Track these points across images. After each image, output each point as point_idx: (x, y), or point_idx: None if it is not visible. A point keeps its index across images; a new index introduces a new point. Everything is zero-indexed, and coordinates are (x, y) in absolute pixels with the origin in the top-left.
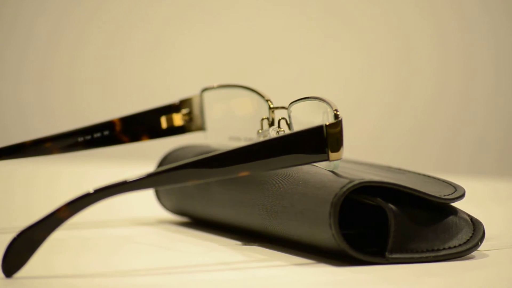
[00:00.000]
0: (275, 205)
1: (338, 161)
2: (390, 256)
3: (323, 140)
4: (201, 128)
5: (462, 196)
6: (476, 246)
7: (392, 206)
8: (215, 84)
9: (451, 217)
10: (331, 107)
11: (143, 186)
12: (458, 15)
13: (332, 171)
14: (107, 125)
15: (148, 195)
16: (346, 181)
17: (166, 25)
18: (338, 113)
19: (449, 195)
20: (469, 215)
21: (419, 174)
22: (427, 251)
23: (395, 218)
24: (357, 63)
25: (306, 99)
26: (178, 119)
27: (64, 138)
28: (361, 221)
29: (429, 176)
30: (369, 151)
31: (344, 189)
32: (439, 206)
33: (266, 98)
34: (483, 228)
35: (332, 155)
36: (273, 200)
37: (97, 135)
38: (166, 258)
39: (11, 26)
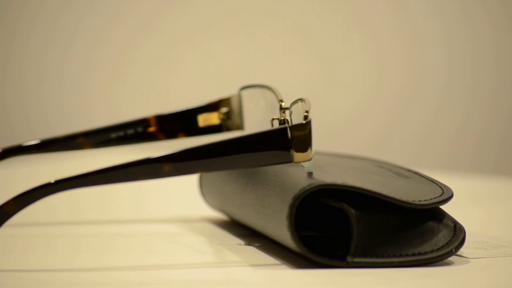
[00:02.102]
0: (261, 206)
1: (308, 162)
2: (351, 260)
3: (287, 141)
4: (239, 127)
5: (441, 202)
6: (449, 253)
7: (353, 210)
8: (252, 84)
9: (430, 222)
10: (303, 108)
11: (100, 182)
12: (463, 17)
13: (310, 173)
14: (141, 122)
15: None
16: (306, 184)
17: (209, 25)
18: (307, 114)
19: (425, 200)
20: (454, 221)
21: (421, 176)
22: (394, 256)
23: (358, 222)
24: (366, 63)
25: (299, 101)
26: (215, 118)
27: (96, 134)
28: (338, 224)
29: (426, 178)
30: (378, 149)
31: (301, 191)
32: (418, 210)
33: (279, 98)
34: (463, 235)
35: (298, 157)
36: (260, 201)
37: (130, 131)
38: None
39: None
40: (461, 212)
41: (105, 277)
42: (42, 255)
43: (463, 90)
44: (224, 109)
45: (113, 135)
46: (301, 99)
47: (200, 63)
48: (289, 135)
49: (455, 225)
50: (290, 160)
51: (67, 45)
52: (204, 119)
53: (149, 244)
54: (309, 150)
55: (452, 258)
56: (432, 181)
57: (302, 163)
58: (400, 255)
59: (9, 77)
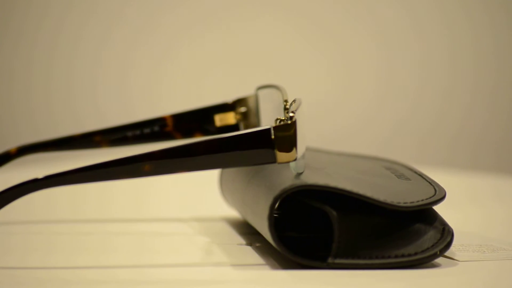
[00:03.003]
0: (255, 206)
1: (294, 162)
2: (332, 261)
3: (270, 142)
4: (256, 127)
5: (428, 204)
6: (434, 255)
7: (334, 211)
8: (267, 84)
9: (417, 224)
10: (289, 109)
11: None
12: (465, 20)
13: (299, 173)
14: (158, 121)
15: None
16: (287, 185)
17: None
18: (293, 115)
19: (412, 202)
20: (443, 224)
21: (422, 177)
22: (376, 257)
23: (339, 223)
24: (376, 66)
25: (293, 102)
26: (231, 118)
27: (114, 132)
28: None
29: (426, 180)
30: (388, 147)
31: (282, 192)
32: (404, 212)
33: (284, 99)
34: (450, 238)
35: (281, 157)
36: (255, 201)
37: (147, 130)
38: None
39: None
40: (462, 211)
41: (105, 276)
42: (41, 253)
43: (465, 90)
44: (240, 109)
45: (130, 134)
46: (294, 100)
47: (212, 61)
48: (273, 135)
49: (443, 228)
50: (273, 161)
51: (74, 44)
52: (220, 119)
53: (149, 243)
54: (294, 150)
55: (442, 261)
56: (430, 183)
57: (290, 164)
58: (383, 257)
59: (16, 77)
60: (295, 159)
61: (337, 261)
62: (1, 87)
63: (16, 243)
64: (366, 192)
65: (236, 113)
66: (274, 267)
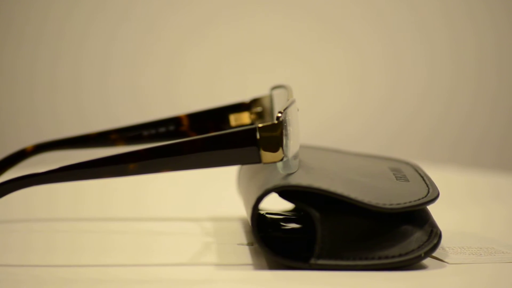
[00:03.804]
0: (246, 206)
1: (280, 162)
2: (315, 262)
3: (255, 141)
4: None
5: (414, 206)
6: (418, 258)
7: (317, 212)
8: (280, 84)
9: (404, 226)
10: (277, 110)
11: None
12: (468, 21)
13: (291, 173)
14: (173, 121)
15: None
16: (270, 185)
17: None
18: (280, 115)
19: (398, 204)
20: (432, 226)
21: (422, 177)
22: (359, 259)
23: (322, 224)
24: (384, 66)
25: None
26: (246, 118)
27: (129, 131)
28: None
29: (425, 182)
30: (396, 144)
31: (264, 192)
32: (391, 214)
33: (288, 98)
34: (437, 241)
35: (267, 157)
36: (250, 201)
37: (162, 129)
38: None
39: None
40: (464, 211)
41: (104, 275)
42: (41, 251)
43: (468, 89)
44: (256, 109)
45: (145, 133)
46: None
47: (225, 59)
48: (258, 135)
49: (431, 230)
50: (258, 161)
51: (80, 43)
52: (235, 118)
53: (149, 242)
54: (280, 150)
55: (431, 264)
56: (427, 185)
57: (277, 164)
58: (366, 258)
59: (19, 77)
60: (282, 159)
61: (320, 262)
62: (3, 88)
63: (15, 241)
64: (350, 194)
65: (251, 113)
66: (260, 267)
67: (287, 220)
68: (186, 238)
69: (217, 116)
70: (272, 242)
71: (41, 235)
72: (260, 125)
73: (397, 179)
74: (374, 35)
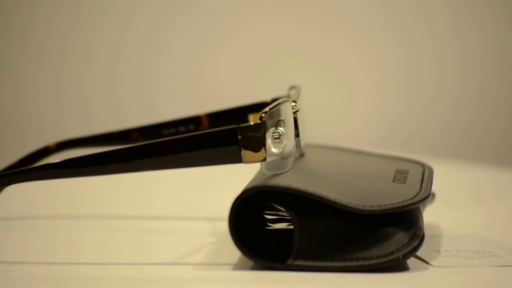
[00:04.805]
0: None
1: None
2: (291, 263)
3: (236, 141)
4: None
5: (396, 208)
6: (396, 260)
7: (294, 213)
8: (296, 84)
9: (386, 228)
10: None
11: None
12: (473, 23)
13: (277, 174)
14: (193, 120)
15: None
16: (250, 185)
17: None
18: (263, 115)
19: (379, 206)
20: (417, 228)
21: (421, 181)
22: (337, 260)
23: (300, 225)
24: (402, 65)
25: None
26: None
27: (150, 129)
28: None
29: (421, 184)
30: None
31: (244, 192)
32: (374, 215)
33: (294, 99)
34: (417, 244)
35: (248, 157)
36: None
37: (182, 128)
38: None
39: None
40: (466, 210)
41: (104, 273)
42: (40, 250)
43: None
44: None
45: (165, 132)
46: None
47: (240, 60)
48: (239, 135)
49: (414, 232)
50: (239, 161)
51: (87, 43)
52: (255, 118)
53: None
54: (263, 150)
55: (415, 266)
56: (420, 189)
57: (261, 164)
58: (344, 260)
59: (43, 75)
60: (264, 159)
61: (297, 262)
62: (27, 86)
63: (14, 239)
64: (329, 195)
65: None
66: (243, 267)
67: (281, 220)
68: (175, 237)
69: (236, 116)
70: (258, 242)
71: (40, 233)
72: (241, 125)
73: (393, 181)
74: (390, 35)
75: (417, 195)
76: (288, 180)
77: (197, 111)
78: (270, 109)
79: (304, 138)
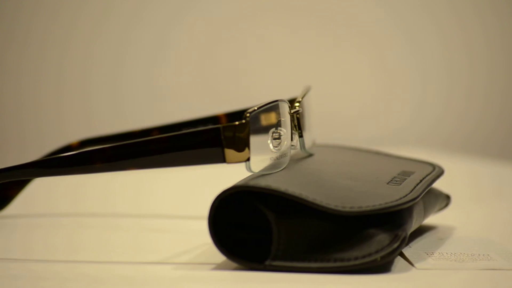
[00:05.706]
0: None
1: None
2: (269, 263)
3: (219, 141)
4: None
5: (377, 210)
6: (373, 262)
7: (273, 213)
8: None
9: (368, 230)
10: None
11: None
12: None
13: (265, 174)
14: (212, 119)
15: None
16: (232, 185)
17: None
18: (248, 115)
19: (359, 207)
20: (402, 230)
21: (420, 181)
22: (315, 261)
23: (277, 225)
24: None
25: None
26: (273, 118)
27: (170, 128)
28: None
29: (415, 186)
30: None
31: (223, 192)
32: (355, 217)
33: (297, 100)
34: (397, 245)
35: (231, 157)
36: None
37: (201, 128)
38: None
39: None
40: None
41: (103, 272)
42: (40, 248)
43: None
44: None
45: (184, 130)
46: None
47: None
48: (223, 135)
49: (396, 234)
50: (222, 161)
51: (89, 44)
52: (266, 118)
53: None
54: (246, 150)
55: (399, 268)
56: (411, 191)
57: (245, 164)
58: (322, 261)
59: (24, 78)
60: (248, 159)
61: (275, 263)
62: (51, 83)
63: (16, 237)
64: (308, 196)
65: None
66: (225, 267)
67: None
68: (175, 237)
69: None
70: (241, 242)
71: (40, 232)
72: (224, 124)
73: (388, 183)
74: (396, 37)
75: (404, 197)
76: (271, 180)
77: (200, 113)
78: (254, 110)
79: (312, 138)
